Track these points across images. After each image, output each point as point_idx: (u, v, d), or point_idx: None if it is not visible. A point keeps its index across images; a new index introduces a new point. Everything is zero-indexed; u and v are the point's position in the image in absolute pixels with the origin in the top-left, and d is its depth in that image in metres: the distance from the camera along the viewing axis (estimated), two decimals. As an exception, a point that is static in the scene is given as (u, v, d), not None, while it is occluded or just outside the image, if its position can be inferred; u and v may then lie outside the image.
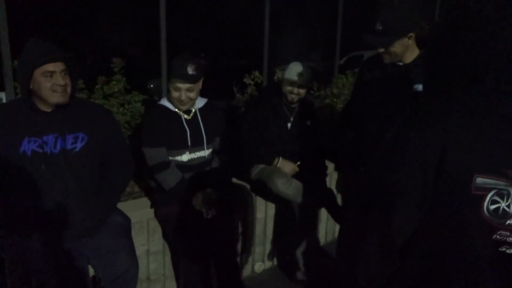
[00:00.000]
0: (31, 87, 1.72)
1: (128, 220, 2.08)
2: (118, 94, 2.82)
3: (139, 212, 2.36)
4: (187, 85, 2.20)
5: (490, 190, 0.82)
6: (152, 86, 6.31)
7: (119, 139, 2.04)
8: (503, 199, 0.82)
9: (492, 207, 0.83)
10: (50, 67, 1.70)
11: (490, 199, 0.82)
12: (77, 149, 1.82)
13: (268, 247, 3.01)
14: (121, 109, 2.77)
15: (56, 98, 1.73)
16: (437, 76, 0.99)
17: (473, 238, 0.86)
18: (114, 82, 2.79)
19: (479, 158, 0.82)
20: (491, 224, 0.84)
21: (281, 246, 3.01)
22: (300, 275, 2.77)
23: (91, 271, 2.03)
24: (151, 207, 2.40)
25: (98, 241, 1.89)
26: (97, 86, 2.79)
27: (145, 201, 2.47)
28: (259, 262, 2.97)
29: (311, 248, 2.82)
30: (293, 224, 2.78)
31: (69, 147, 1.80)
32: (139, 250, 2.36)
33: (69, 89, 1.78)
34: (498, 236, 0.85)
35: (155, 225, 2.40)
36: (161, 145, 2.26)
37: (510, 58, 0.85)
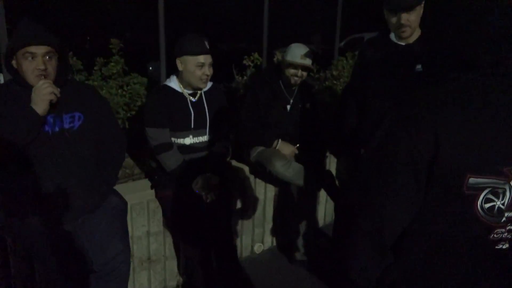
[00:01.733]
0: (15, 67, 1.74)
1: (124, 203, 2.07)
2: (117, 75, 2.80)
3: (139, 193, 2.37)
4: (210, 59, 2.25)
5: (483, 189, 0.78)
6: (151, 68, 6.27)
7: (111, 118, 2.05)
8: (498, 198, 0.80)
9: (487, 205, 0.80)
10: (31, 48, 1.69)
11: (484, 197, 0.79)
12: (75, 128, 1.83)
13: (267, 228, 3.04)
14: (119, 90, 2.76)
15: (37, 82, 1.72)
16: (435, 60, 0.96)
17: (469, 238, 0.83)
18: (112, 64, 2.77)
19: (473, 156, 0.77)
20: (487, 224, 0.81)
21: (280, 227, 3.04)
22: (299, 256, 2.81)
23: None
24: (151, 188, 2.41)
25: (94, 224, 1.89)
26: (95, 68, 2.77)
27: (145, 183, 2.48)
28: (258, 243, 3.01)
29: (310, 229, 2.85)
30: (292, 206, 2.80)
31: (67, 126, 1.81)
32: (140, 231, 2.38)
33: (52, 75, 1.76)
34: (495, 235, 0.83)
35: (155, 206, 2.41)
36: (165, 125, 2.26)
37: (505, 37, 0.81)
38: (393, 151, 0.84)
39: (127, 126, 2.73)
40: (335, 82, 3.89)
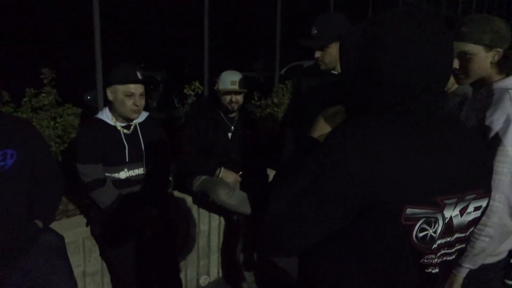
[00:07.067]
0: None
1: (61, 238, 1.94)
2: (49, 107, 2.67)
3: (74, 231, 2.23)
4: (141, 89, 2.19)
5: (419, 219, 0.80)
6: (89, 98, 6.04)
7: (47, 154, 1.92)
8: (430, 226, 0.82)
9: (421, 234, 0.82)
10: None
11: (419, 227, 0.81)
12: (6, 168, 1.66)
13: (212, 259, 2.96)
14: (52, 123, 2.62)
15: None
16: (354, 101, 0.96)
17: (402, 263, 0.85)
18: (43, 95, 2.63)
19: (409, 188, 0.79)
20: (419, 250, 0.84)
21: (226, 257, 2.98)
22: (246, 286, 2.76)
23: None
24: (87, 225, 2.27)
25: (28, 264, 1.74)
26: (24, 99, 2.62)
27: (80, 219, 2.34)
28: (204, 275, 2.92)
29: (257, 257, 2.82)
30: (237, 234, 2.77)
31: None
32: (75, 272, 2.21)
33: None
34: (425, 260, 0.86)
35: (91, 244, 2.28)
36: (97, 161, 2.16)
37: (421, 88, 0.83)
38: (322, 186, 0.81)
39: (60, 160, 2.59)
40: (276, 109, 3.97)
